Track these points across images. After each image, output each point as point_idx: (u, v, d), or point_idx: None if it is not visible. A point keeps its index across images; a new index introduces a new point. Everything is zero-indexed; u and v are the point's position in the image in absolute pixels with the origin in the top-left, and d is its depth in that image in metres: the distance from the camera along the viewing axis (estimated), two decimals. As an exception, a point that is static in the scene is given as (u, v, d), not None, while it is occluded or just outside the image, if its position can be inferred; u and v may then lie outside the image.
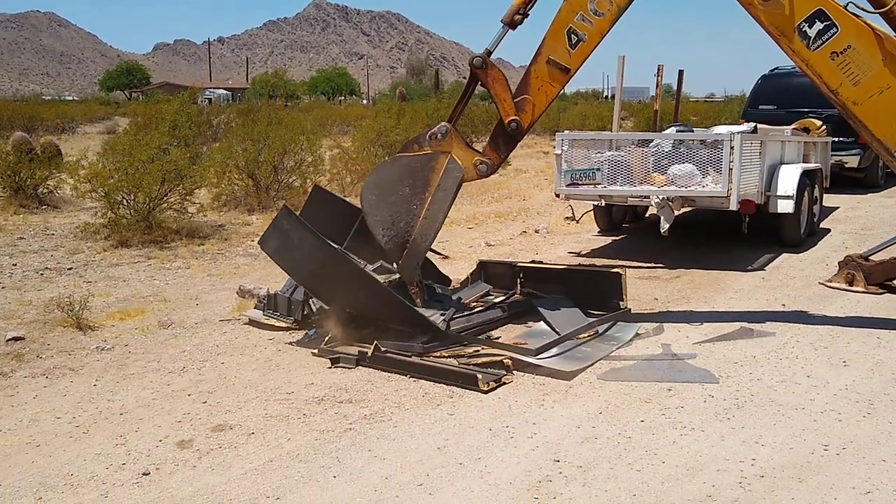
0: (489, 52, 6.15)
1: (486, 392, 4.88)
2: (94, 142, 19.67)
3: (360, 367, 5.36)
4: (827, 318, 6.53)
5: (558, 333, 5.83)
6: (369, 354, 5.41)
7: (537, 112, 6.21)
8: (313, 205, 7.06)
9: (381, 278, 6.39)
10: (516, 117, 6.13)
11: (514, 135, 6.22)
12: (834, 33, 5.85)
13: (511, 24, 6.16)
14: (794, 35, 5.91)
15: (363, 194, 6.25)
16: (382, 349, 5.43)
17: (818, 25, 5.86)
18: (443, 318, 5.85)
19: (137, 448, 4.21)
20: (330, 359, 5.50)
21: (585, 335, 5.92)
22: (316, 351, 5.68)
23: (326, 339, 5.77)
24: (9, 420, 4.63)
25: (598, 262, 8.86)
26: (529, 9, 6.16)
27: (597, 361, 5.45)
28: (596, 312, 6.39)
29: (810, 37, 5.88)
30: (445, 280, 7.17)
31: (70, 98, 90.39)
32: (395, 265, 6.35)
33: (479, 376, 4.97)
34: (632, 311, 6.50)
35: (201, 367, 5.49)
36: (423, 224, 6.11)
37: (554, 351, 5.52)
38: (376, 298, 5.76)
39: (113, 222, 9.84)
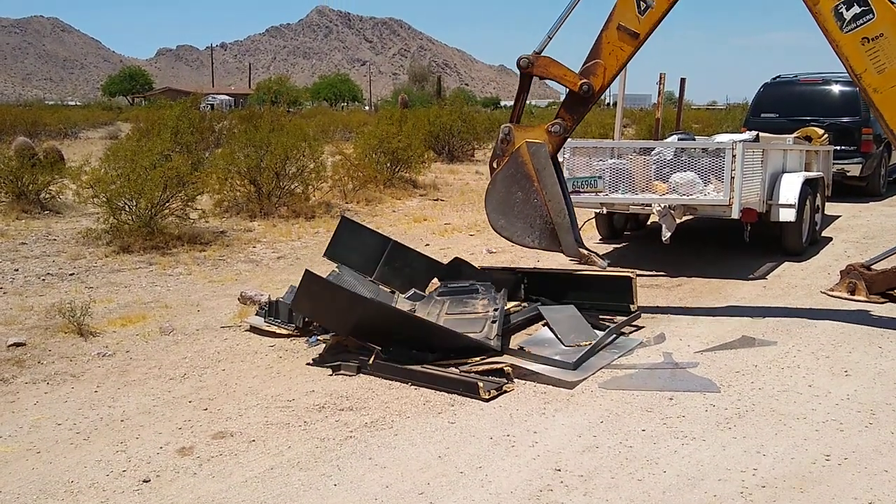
0: (536, 53, 6.63)
1: (487, 400, 4.87)
2: (97, 147, 19.72)
3: (360, 375, 5.35)
4: (828, 327, 6.52)
5: (562, 342, 5.82)
6: (370, 362, 5.40)
7: (609, 75, 6.52)
8: (342, 236, 7.18)
9: (412, 304, 6.59)
10: (587, 80, 6.48)
11: (586, 97, 6.56)
12: (870, 19, 5.88)
13: None
14: (830, 15, 5.96)
15: (494, 227, 6.78)
16: (384, 357, 5.42)
17: (855, 9, 5.91)
18: (496, 336, 5.76)
19: (138, 455, 4.21)
20: (331, 367, 5.48)
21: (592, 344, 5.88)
22: (316, 358, 5.68)
23: (326, 346, 5.74)
24: (9, 426, 4.62)
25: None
26: None
27: (598, 370, 5.44)
28: (604, 318, 6.42)
29: (845, 19, 5.93)
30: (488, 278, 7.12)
31: (73, 103, 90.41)
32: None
33: (481, 384, 4.96)
34: (641, 315, 6.59)
35: (202, 374, 5.48)
36: (552, 205, 6.50)
37: (592, 360, 5.54)
38: (429, 333, 5.70)
39: (115, 228, 9.84)
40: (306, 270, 5.50)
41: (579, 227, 10.40)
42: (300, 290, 5.56)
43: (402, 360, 5.39)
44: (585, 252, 6.63)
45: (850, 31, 5.93)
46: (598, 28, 6.53)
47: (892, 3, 5.91)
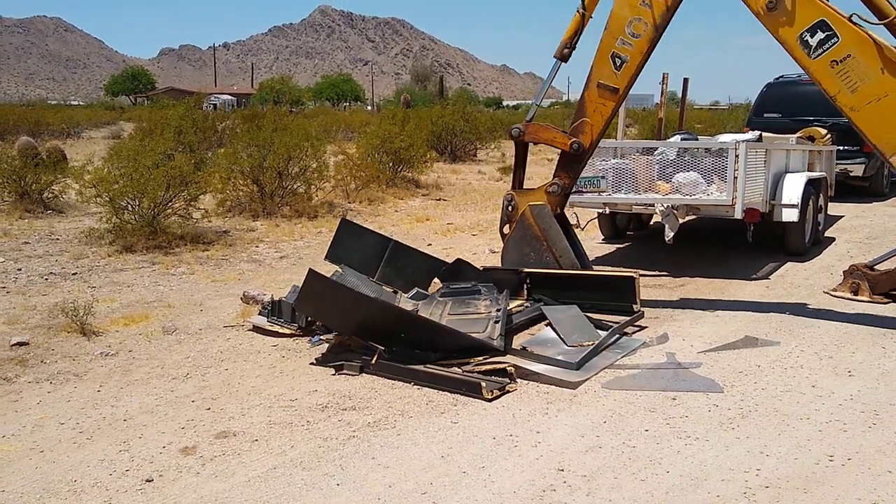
0: (527, 122, 7.22)
1: (490, 400, 4.87)
2: (100, 147, 19.74)
3: (363, 375, 5.35)
4: (832, 327, 6.51)
5: (565, 342, 5.81)
6: (373, 362, 5.39)
7: (596, 131, 6.93)
8: (342, 238, 7.22)
9: (415, 304, 6.56)
10: (576, 139, 6.92)
11: (577, 154, 6.97)
12: (835, 43, 6.04)
13: (562, 57, 7.06)
14: (797, 44, 6.14)
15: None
16: (386, 356, 5.42)
17: (819, 35, 6.08)
18: (499, 335, 5.74)
19: (141, 454, 4.21)
20: (334, 366, 5.48)
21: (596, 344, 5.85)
22: (319, 358, 5.68)
23: (329, 346, 5.74)
24: (13, 425, 4.63)
25: (604, 269, 8.85)
26: (576, 42, 7.05)
27: (601, 371, 5.43)
28: (608, 320, 6.38)
29: (811, 46, 6.10)
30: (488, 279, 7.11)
31: (76, 103, 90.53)
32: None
33: (483, 384, 4.96)
34: (644, 315, 6.59)
35: (205, 374, 5.49)
36: (563, 260, 6.95)
37: (595, 360, 5.54)
38: (432, 333, 5.68)
39: (117, 227, 9.85)
40: (310, 270, 5.50)
41: (583, 226, 10.51)
42: (304, 290, 5.56)
43: (405, 359, 5.38)
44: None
45: (817, 56, 6.10)
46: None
47: (854, 23, 6.04)
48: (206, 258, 9.34)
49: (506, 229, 7.26)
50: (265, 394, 5.07)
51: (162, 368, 5.60)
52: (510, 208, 7.17)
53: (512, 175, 7.55)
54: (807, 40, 6.09)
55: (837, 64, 6.05)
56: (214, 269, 8.84)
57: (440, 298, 6.65)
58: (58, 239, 10.18)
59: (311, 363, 5.63)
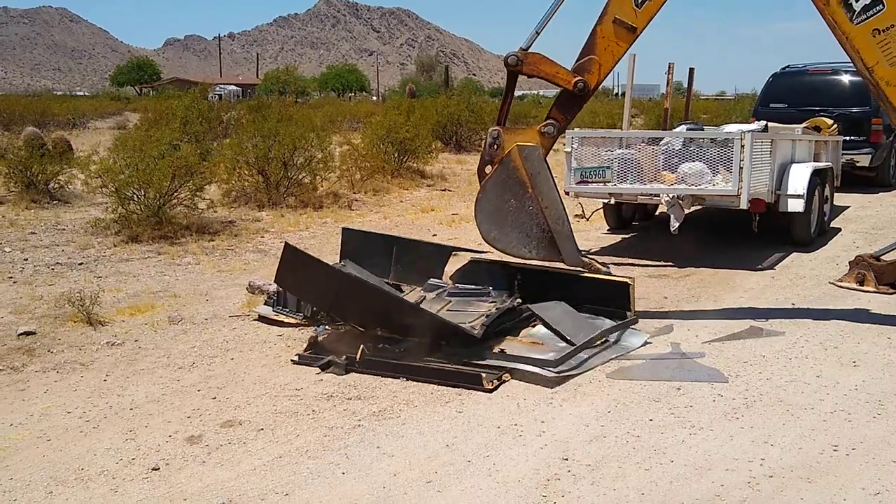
0: (524, 50, 6.24)
1: (490, 391, 4.87)
2: (105, 137, 19.75)
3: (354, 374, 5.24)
4: (837, 317, 6.51)
5: (568, 341, 5.54)
6: (357, 358, 5.25)
7: (604, 72, 6.25)
8: (348, 246, 6.92)
9: (433, 295, 6.32)
10: (581, 77, 6.19)
11: (581, 95, 6.26)
12: (880, 10, 5.74)
13: None
14: (839, 6, 5.81)
15: (486, 238, 6.40)
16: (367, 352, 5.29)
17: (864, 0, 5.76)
18: (482, 324, 5.51)
19: (147, 443, 4.24)
20: (319, 366, 5.30)
21: (598, 343, 5.66)
22: (296, 358, 5.49)
23: (308, 343, 5.55)
24: (20, 414, 4.65)
25: (608, 260, 8.85)
26: None
27: (590, 369, 5.26)
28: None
29: (855, 10, 5.77)
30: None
31: (81, 93, 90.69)
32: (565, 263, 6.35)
33: (483, 375, 4.96)
34: (638, 321, 6.23)
35: (211, 363, 5.51)
36: (549, 212, 6.17)
37: (572, 362, 5.26)
38: (403, 313, 5.56)
39: (123, 218, 9.87)
40: (286, 243, 5.47)
41: (588, 217, 10.51)
42: (281, 264, 5.49)
43: (390, 355, 5.30)
44: (587, 260, 6.41)
45: (860, 22, 5.78)
46: (588, 21, 6.27)
47: None
48: (212, 248, 9.36)
49: (487, 170, 6.37)
50: (271, 383, 5.09)
51: (168, 358, 5.62)
52: (494, 146, 6.28)
53: (499, 109, 6.65)
54: (850, 3, 5.76)
55: (880, 33, 5.75)
56: (220, 260, 8.86)
57: (447, 297, 6.39)
58: (64, 229, 10.21)
59: (293, 360, 5.49)
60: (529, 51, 6.26)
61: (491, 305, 6.04)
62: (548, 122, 6.32)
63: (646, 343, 5.81)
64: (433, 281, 6.61)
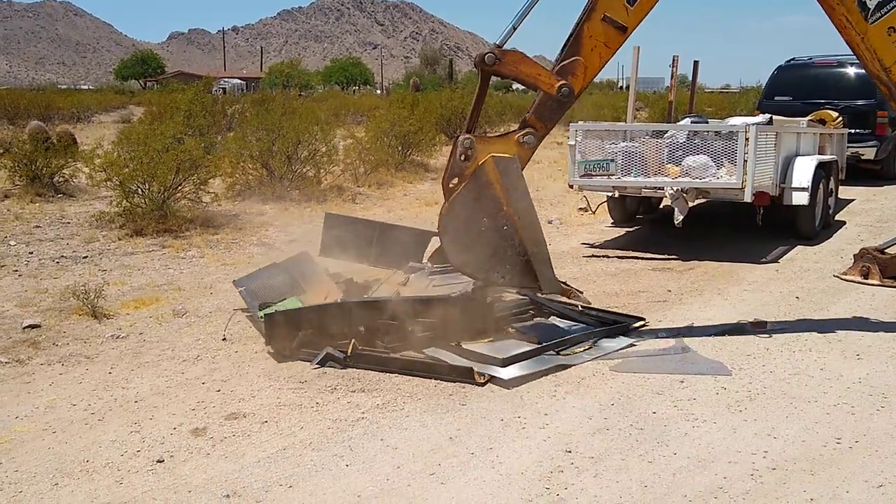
0: (499, 47, 5.58)
1: (482, 385, 4.87)
2: (109, 131, 19.78)
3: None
4: (841, 310, 6.50)
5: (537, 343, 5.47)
6: (348, 353, 5.23)
7: (590, 75, 5.66)
8: (331, 231, 7.17)
9: (406, 277, 6.42)
10: (565, 81, 5.54)
11: (564, 101, 5.59)
12: (894, 6, 5.65)
13: None
14: (854, 4, 5.67)
15: (454, 263, 5.65)
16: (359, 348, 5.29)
17: None
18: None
19: (152, 435, 4.25)
20: (318, 362, 5.24)
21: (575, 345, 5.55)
22: (288, 353, 5.41)
23: (297, 339, 5.43)
24: (25, 406, 4.67)
25: (612, 253, 8.86)
26: None
27: (552, 370, 5.14)
28: (586, 307, 6.27)
29: (869, 8, 5.66)
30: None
31: (85, 87, 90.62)
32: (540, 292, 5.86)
33: (475, 368, 4.96)
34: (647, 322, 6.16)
35: (215, 356, 5.52)
36: (527, 233, 5.48)
37: (525, 362, 5.13)
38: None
39: (128, 211, 9.89)
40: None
41: (593, 210, 10.50)
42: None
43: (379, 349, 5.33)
44: (565, 287, 6.01)
45: (875, 20, 5.65)
46: (570, 17, 5.67)
47: None
48: (216, 242, 9.37)
49: (453, 183, 5.52)
50: (275, 375, 5.10)
51: (172, 351, 5.63)
52: (466, 157, 5.42)
53: (469, 116, 5.81)
54: (865, 1, 5.63)
55: (895, 31, 5.67)
56: (224, 253, 8.87)
57: (429, 277, 6.42)
58: (68, 223, 10.23)
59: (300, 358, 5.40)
60: (507, 48, 5.59)
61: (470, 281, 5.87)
62: (527, 130, 5.59)
63: (631, 345, 5.65)
64: (413, 264, 6.66)
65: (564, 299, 6.26)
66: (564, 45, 5.64)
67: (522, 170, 5.60)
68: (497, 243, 5.48)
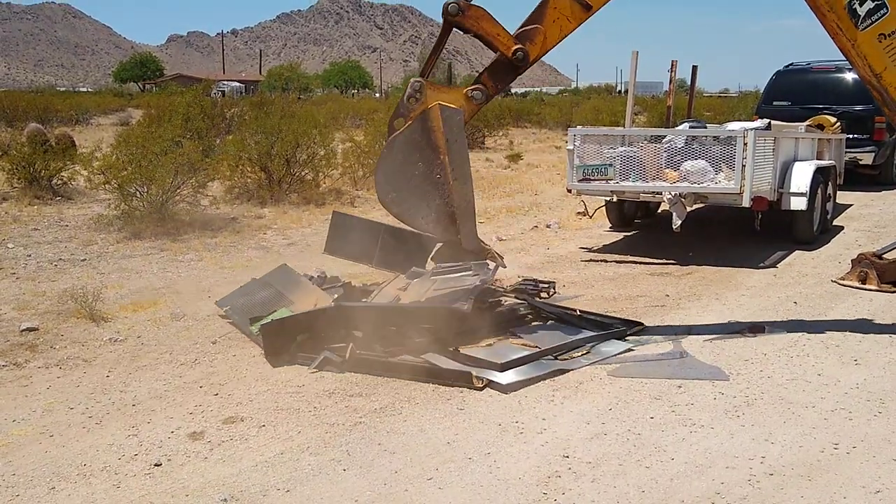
0: (468, 1, 5.58)
1: (480, 389, 4.87)
2: (108, 133, 19.77)
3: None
4: (839, 316, 6.50)
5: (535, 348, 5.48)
6: (347, 357, 5.24)
7: (548, 45, 5.68)
8: (337, 230, 7.23)
9: (407, 282, 6.40)
10: (521, 46, 5.61)
11: (518, 65, 5.66)
12: (884, 14, 5.70)
13: None
14: (844, 12, 5.73)
15: (382, 198, 5.86)
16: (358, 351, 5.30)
17: (868, 4, 5.70)
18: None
19: (149, 439, 4.25)
20: (317, 366, 5.23)
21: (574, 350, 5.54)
22: (287, 358, 5.38)
23: (294, 344, 5.43)
24: (23, 410, 4.67)
25: (610, 257, 8.87)
26: None
27: (550, 375, 5.13)
28: (584, 312, 6.26)
29: (860, 15, 5.71)
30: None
31: (84, 89, 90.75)
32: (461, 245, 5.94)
33: (474, 373, 4.96)
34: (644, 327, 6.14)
35: (213, 360, 5.52)
36: (457, 186, 5.61)
37: (523, 367, 5.15)
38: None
39: (126, 214, 9.89)
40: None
41: (591, 214, 10.50)
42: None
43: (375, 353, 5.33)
44: (486, 247, 6.02)
45: (865, 27, 5.71)
46: None
47: None
48: (215, 245, 9.37)
49: (397, 124, 5.74)
50: (272, 380, 5.10)
51: (170, 354, 5.63)
52: (414, 99, 5.61)
53: (426, 61, 6.03)
54: (855, 8, 5.69)
55: (885, 38, 5.71)
56: (222, 256, 8.87)
57: (432, 277, 6.41)
58: (67, 225, 10.22)
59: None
60: (473, 3, 5.62)
61: (474, 279, 5.94)
62: (477, 86, 5.72)
63: (628, 350, 5.65)
64: (416, 269, 6.65)
65: (563, 304, 6.27)
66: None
67: (465, 124, 5.73)
68: (428, 189, 5.67)
